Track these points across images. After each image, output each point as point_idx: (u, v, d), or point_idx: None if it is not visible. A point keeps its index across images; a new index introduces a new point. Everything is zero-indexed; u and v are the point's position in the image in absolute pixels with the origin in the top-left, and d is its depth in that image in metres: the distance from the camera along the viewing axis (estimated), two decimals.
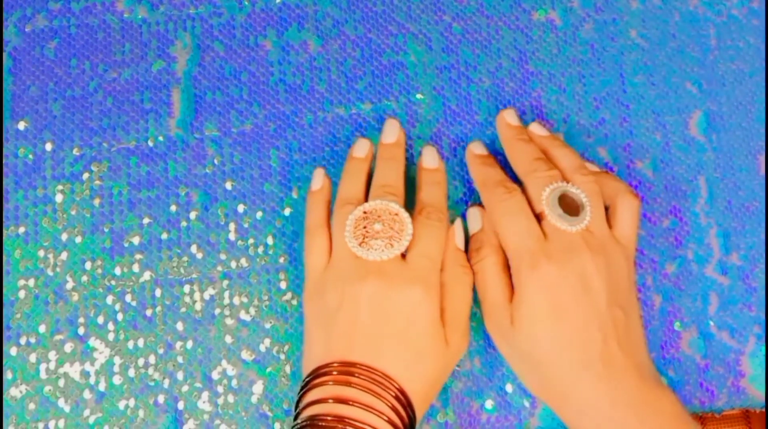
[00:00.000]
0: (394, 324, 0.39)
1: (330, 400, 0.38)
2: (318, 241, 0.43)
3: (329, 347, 0.40)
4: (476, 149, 0.46)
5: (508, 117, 0.46)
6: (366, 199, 0.44)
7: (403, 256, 0.41)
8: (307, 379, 0.39)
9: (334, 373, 0.39)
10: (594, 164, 0.45)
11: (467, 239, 0.45)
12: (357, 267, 0.40)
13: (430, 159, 0.46)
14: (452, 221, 0.44)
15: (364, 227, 0.41)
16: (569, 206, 0.42)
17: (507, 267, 0.42)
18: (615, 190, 0.43)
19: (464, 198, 0.47)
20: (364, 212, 0.41)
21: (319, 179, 0.45)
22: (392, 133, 0.46)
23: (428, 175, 0.45)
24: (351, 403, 0.38)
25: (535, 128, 0.46)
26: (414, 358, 0.40)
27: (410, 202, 0.44)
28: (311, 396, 0.39)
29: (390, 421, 0.38)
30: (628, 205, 0.42)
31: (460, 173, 0.47)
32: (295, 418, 0.39)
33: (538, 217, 0.42)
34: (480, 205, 0.45)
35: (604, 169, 0.45)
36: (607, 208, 0.43)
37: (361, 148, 0.46)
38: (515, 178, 0.44)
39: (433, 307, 0.40)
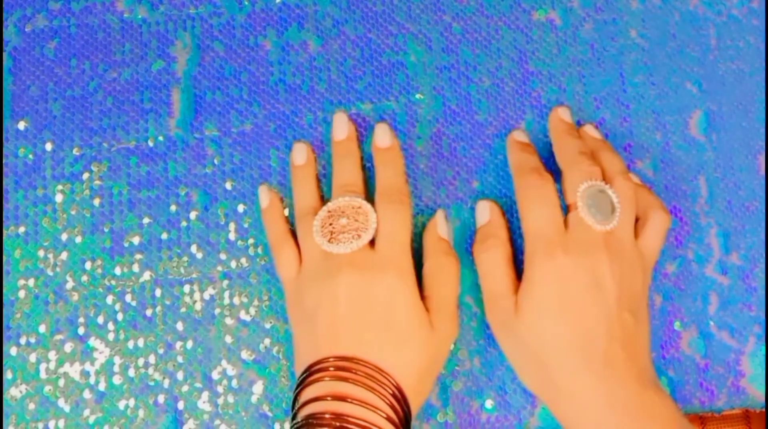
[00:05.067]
0: (374, 312, 0.40)
1: (328, 398, 0.38)
2: (285, 252, 0.43)
3: (316, 345, 0.40)
4: (518, 136, 0.46)
5: (563, 113, 0.46)
6: (323, 202, 0.44)
7: (373, 244, 0.42)
8: (302, 376, 0.39)
9: (331, 368, 0.39)
10: (636, 176, 0.46)
11: (468, 235, 0.45)
12: (328, 265, 0.41)
13: (382, 137, 0.45)
14: (420, 209, 0.44)
15: (330, 224, 0.42)
16: (601, 208, 0.41)
17: (512, 261, 0.43)
18: (649, 203, 0.43)
19: (464, 197, 0.47)
20: (329, 211, 0.42)
21: (265, 196, 0.46)
22: (342, 128, 0.46)
23: (383, 155, 0.45)
24: (349, 400, 0.38)
25: (589, 129, 0.46)
26: (399, 342, 0.40)
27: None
28: (308, 393, 0.39)
29: (388, 418, 0.38)
30: (659, 220, 0.42)
31: (460, 173, 0.47)
32: (293, 417, 0.39)
33: (567, 209, 0.41)
34: (489, 199, 0.45)
35: (644, 184, 0.45)
36: (637, 219, 0.43)
37: (300, 155, 0.46)
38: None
39: (410, 291, 0.40)
